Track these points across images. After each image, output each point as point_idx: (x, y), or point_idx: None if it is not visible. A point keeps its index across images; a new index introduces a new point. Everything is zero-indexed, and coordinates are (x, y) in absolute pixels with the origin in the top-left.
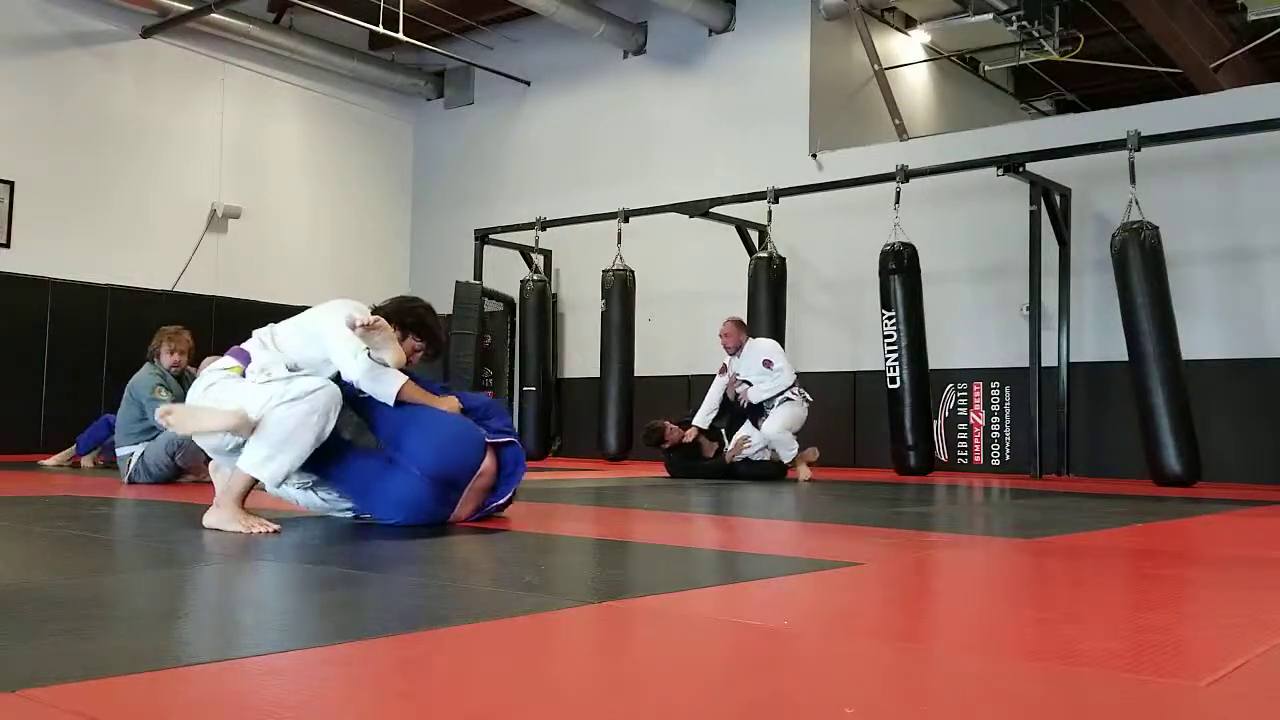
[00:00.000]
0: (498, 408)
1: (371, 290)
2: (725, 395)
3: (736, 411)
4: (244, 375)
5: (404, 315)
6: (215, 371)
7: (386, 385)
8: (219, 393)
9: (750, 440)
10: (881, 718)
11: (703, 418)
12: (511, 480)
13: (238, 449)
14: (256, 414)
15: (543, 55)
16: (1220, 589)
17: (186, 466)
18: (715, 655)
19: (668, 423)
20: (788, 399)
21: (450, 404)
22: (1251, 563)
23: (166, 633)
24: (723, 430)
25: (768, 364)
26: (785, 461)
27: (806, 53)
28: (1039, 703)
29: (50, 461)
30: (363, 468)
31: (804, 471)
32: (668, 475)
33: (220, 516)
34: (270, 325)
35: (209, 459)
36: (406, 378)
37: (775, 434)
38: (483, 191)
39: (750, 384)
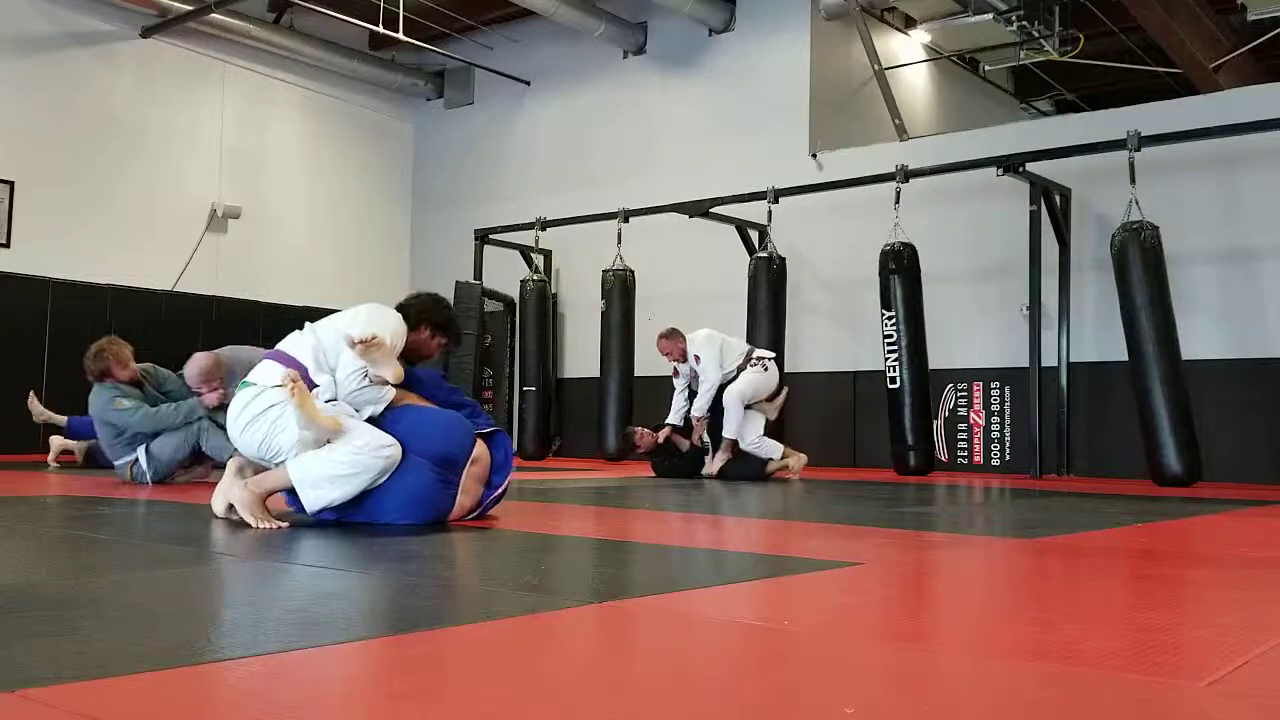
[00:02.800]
0: (473, 403)
1: (372, 290)
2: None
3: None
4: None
5: (435, 316)
6: (275, 390)
7: (371, 404)
8: (288, 420)
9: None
10: (881, 718)
11: (675, 416)
12: (503, 470)
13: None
14: (339, 440)
15: (543, 55)
16: (1220, 589)
17: (212, 455)
18: (715, 655)
19: (638, 428)
20: (746, 369)
21: (420, 404)
22: (1251, 563)
23: (166, 633)
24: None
25: (696, 359)
26: (728, 435)
27: (806, 53)
28: (1039, 703)
29: (51, 462)
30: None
31: (794, 463)
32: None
33: (244, 500)
34: (314, 331)
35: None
36: (392, 394)
37: (729, 401)
38: (483, 191)
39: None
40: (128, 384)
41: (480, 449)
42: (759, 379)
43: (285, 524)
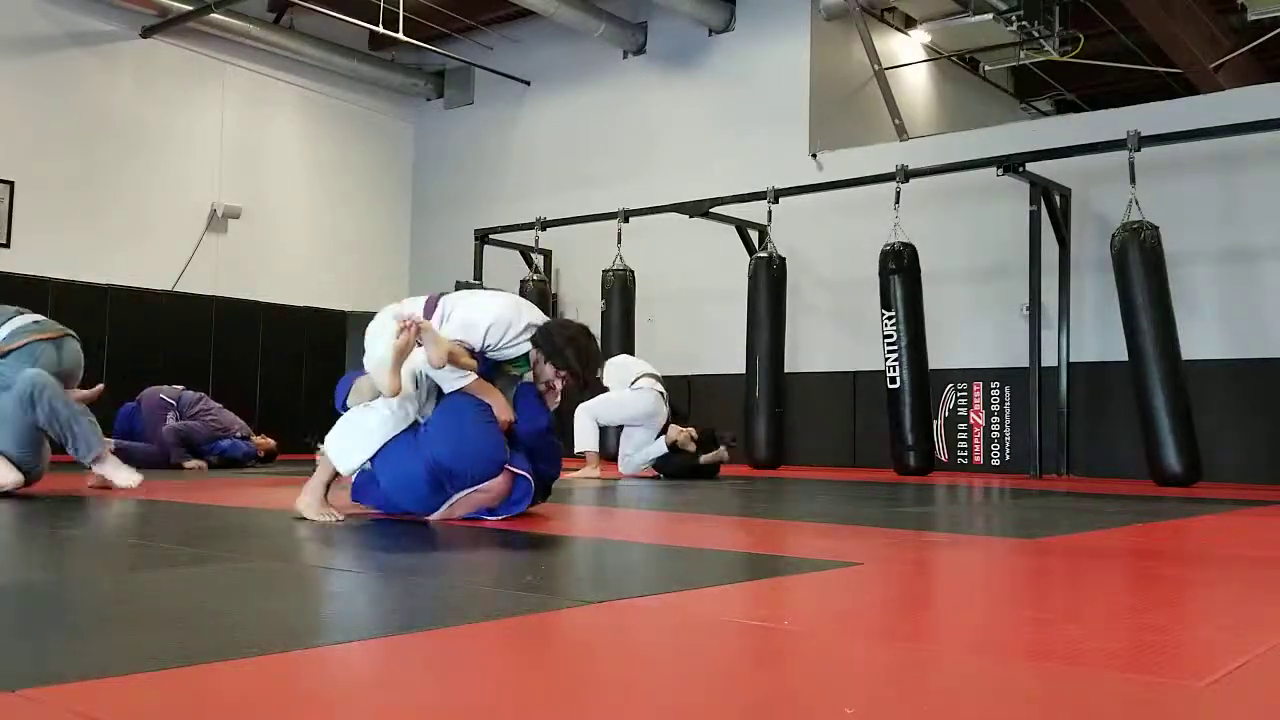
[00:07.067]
0: (550, 450)
1: (371, 291)
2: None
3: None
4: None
5: (547, 346)
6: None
7: (452, 383)
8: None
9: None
10: (881, 718)
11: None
12: (513, 508)
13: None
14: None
15: (543, 55)
16: (1220, 589)
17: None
18: (715, 655)
19: None
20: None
21: (500, 406)
22: (1251, 563)
23: (167, 633)
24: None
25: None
26: (579, 448)
27: (806, 53)
28: (1039, 703)
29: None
30: (397, 438)
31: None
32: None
33: (304, 503)
34: (457, 298)
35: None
36: (473, 379)
37: (576, 415)
38: (483, 191)
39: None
40: None
41: (498, 482)
42: (613, 401)
43: (342, 518)
